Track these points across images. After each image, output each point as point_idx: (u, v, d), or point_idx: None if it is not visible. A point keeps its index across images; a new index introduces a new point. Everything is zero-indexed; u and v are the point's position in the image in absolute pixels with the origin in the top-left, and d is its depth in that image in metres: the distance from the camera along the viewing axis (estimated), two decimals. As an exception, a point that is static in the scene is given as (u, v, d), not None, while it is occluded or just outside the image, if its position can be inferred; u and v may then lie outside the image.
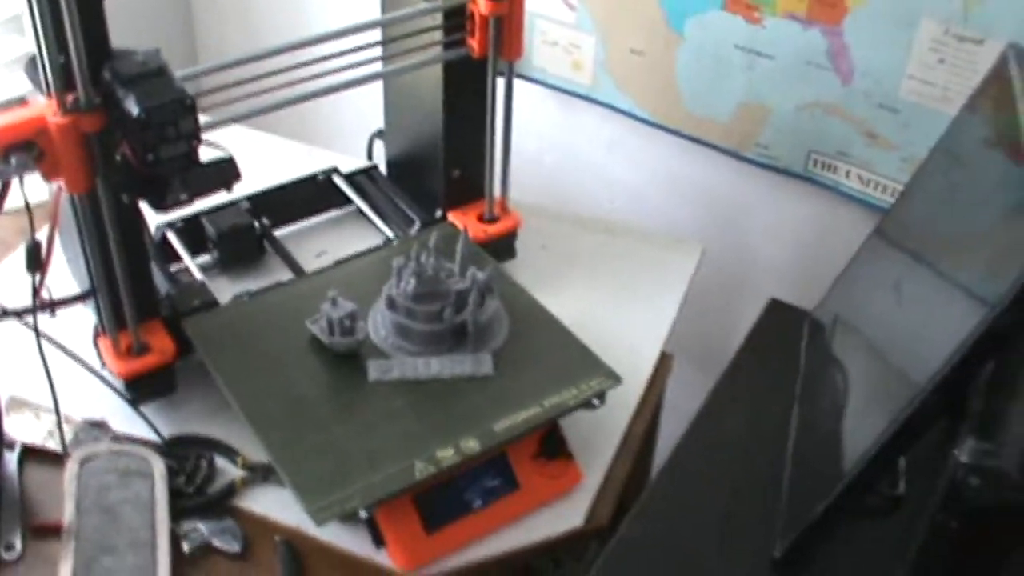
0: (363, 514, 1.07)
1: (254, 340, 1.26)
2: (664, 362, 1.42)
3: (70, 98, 1.04)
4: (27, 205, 1.08)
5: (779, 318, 1.41)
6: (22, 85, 1.27)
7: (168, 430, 1.26)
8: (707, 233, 1.76)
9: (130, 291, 1.19)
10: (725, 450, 1.22)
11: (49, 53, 1.02)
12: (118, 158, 1.06)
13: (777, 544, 1.08)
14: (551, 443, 1.20)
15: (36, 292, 1.17)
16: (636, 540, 1.11)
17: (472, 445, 1.12)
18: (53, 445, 1.24)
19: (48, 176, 1.08)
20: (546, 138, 1.92)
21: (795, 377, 1.28)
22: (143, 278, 1.24)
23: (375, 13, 1.41)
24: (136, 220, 1.19)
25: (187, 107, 1.01)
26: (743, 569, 1.09)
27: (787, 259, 1.77)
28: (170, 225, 1.46)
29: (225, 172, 1.09)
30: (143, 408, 1.26)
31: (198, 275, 1.39)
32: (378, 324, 1.25)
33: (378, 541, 1.13)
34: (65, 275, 1.31)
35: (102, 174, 1.08)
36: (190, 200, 1.09)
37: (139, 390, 1.25)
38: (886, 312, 1.15)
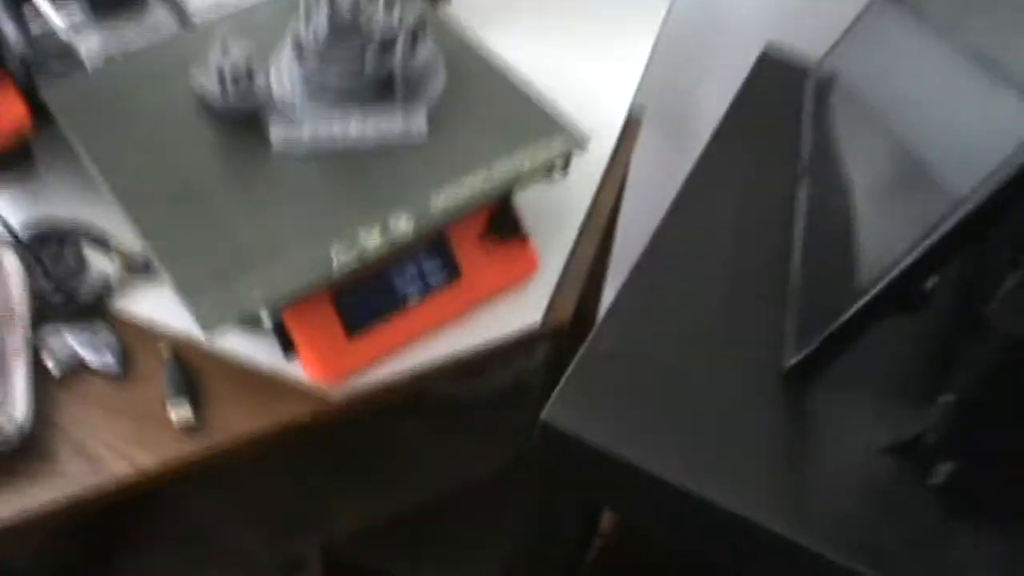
0: (266, 318, 0.84)
1: (129, 108, 0.99)
2: (631, 125, 1.18)
3: None
4: None
5: (773, 76, 1.16)
6: None
7: (24, 217, 1.02)
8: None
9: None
10: (717, 234, 0.99)
11: None
12: None
13: (786, 353, 0.87)
14: (501, 221, 0.97)
15: None
16: (611, 349, 0.89)
17: (403, 225, 0.88)
18: None
19: None
20: None
21: (797, 149, 1.05)
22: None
23: None
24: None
25: None
26: (743, 381, 0.88)
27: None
28: (23, -34, 1.17)
29: None
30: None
31: (61, 29, 1.12)
32: (283, 77, 0.99)
33: (287, 349, 0.91)
34: None
35: None
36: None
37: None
38: (915, 89, 0.92)
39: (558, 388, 0.84)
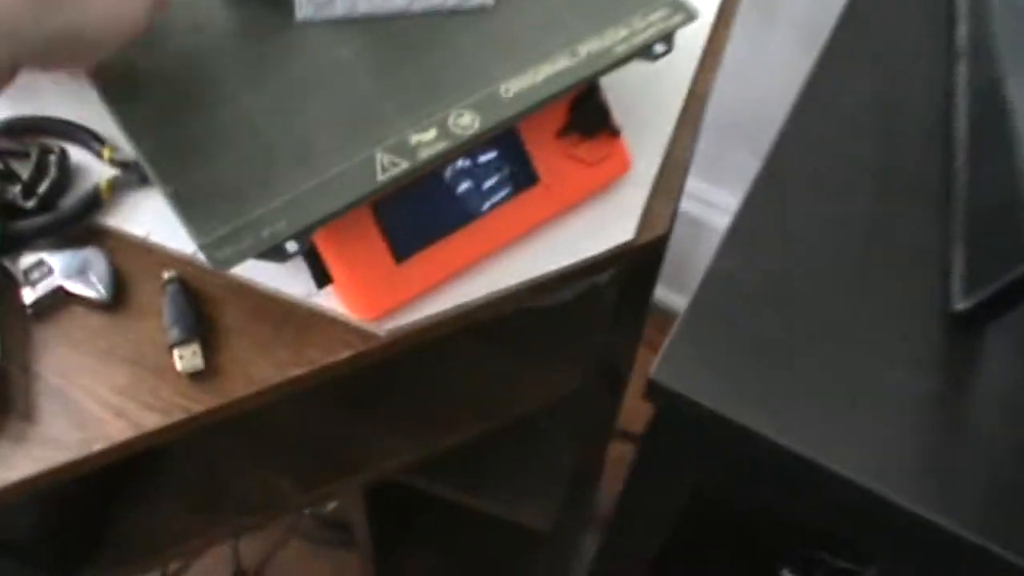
0: (292, 247, 0.65)
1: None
2: (731, -9, 0.97)
3: None
4: None
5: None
6: None
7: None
8: None
9: None
10: (857, 132, 0.79)
11: None
12: None
13: (954, 291, 0.68)
14: (587, 113, 0.76)
15: None
16: (737, 270, 0.70)
17: (466, 121, 0.68)
18: None
19: None
20: None
21: (951, 27, 0.85)
22: None
23: None
24: None
25: None
26: (896, 325, 0.69)
27: None
28: None
29: None
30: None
31: None
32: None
33: (321, 278, 0.72)
34: None
35: None
36: None
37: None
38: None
39: (669, 339, 0.65)
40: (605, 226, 0.78)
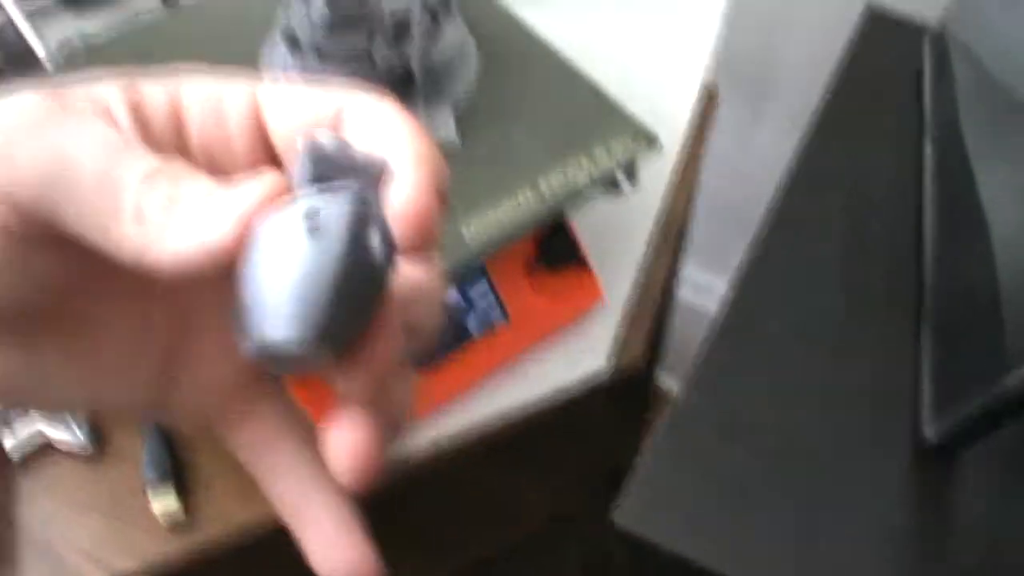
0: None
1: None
2: (709, 100, 0.97)
3: None
4: None
5: (883, 36, 0.95)
6: None
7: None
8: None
9: None
10: (834, 238, 0.80)
11: None
12: None
13: (927, 422, 0.68)
14: (555, 246, 0.77)
15: None
16: (701, 406, 0.70)
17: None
18: None
19: None
20: None
21: (921, 130, 0.85)
22: None
23: None
24: None
25: None
26: (870, 454, 0.68)
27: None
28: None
29: None
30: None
31: (15, 13, 0.93)
32: (275, 68, 0.80)
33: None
34: None
35: None
36: None
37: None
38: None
39: (632, 480, 0.65)
40: (577, 356, 0.78)
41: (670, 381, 1.61)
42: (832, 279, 0.77)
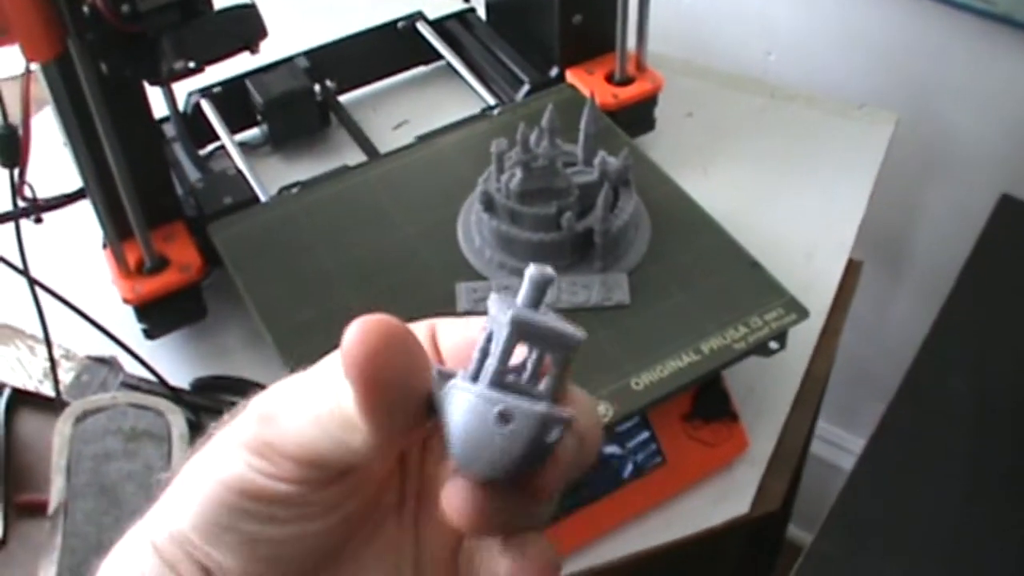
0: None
1: (302, 251, 0.92)
2: (851, 272, 1.06)
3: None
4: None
5: (1017, 221, 1.04)
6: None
7: (195, 370, 0.95)
8: (892, 98, 1.37)
9: (131, 188, 0.87)
10: (961, 417, 0.87)
11: None
12: (86, 10, 0.73)
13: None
14: (710, 400, 0.87)
15: (16, 191, 0.87)
16: (832, 554, 0.78)
17: (601, 410, 0.79)
18: (49, 389, 0.95)
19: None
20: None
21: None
22: (152, 171, 0.92)
23: None
24: (137, 94, 0.87)
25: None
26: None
27: (1005, 135, 1.37)
28: (205, 91, 1.12)
29: (243, 26, 0.75)
30: (163, 340, 0.96)
31: (237, 158, 1.06)
32: (471, 229, 0.92)
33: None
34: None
35: (72, 35, 0.76)
36: (198, 68, 0.77)
37: (153, 319, 0.94)
38: None
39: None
40: (721, 501, 0.87)
41: (794, 528, 1.67)
42: (959, 449, 0.85)
